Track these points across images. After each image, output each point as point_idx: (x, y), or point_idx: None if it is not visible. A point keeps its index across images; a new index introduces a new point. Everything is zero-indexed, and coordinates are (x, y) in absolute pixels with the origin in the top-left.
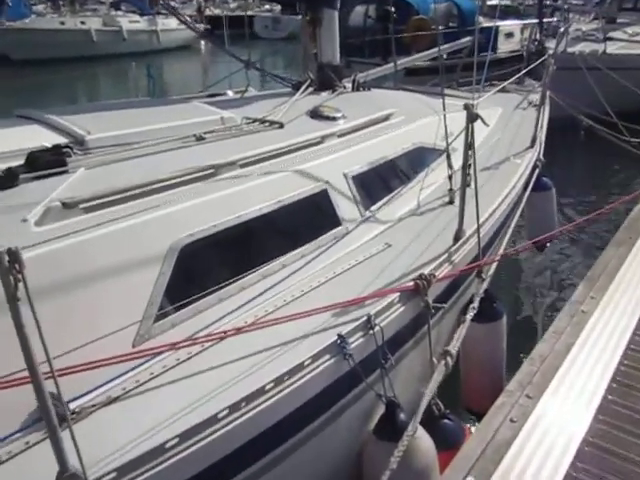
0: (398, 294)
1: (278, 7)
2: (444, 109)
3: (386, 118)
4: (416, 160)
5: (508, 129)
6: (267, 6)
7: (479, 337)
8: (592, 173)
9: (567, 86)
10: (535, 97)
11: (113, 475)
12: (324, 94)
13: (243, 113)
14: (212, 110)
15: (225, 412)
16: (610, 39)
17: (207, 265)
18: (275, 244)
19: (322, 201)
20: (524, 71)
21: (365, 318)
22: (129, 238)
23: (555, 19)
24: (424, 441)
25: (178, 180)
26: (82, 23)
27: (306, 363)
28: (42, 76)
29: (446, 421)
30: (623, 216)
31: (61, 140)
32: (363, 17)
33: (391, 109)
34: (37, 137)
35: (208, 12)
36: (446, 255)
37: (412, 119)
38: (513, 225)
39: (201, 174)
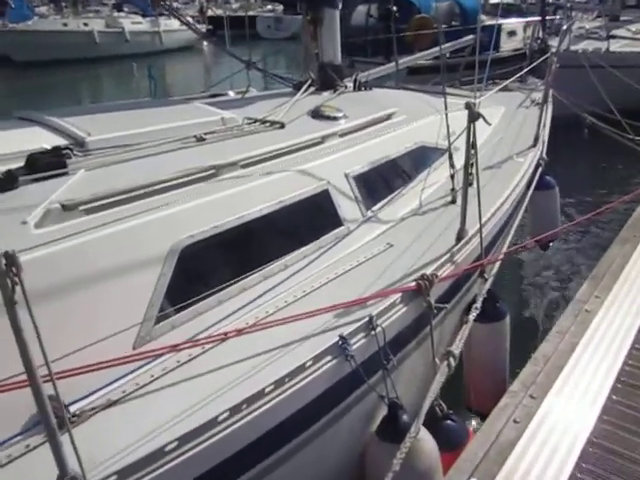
0: (400, 294)
1: (280, 7)
2: (446, 108)
3: (388, 117)
4: (418, 159)
5: (511, 128)
6: (269, 6)
7: (482, 337)
8: (595, 171)
9: (570, 84)
10: (538, 95)
11: (113, 478)
12: (325, 94)
13: (244, 113)
14: (213, 111)
15: (226, 414)
16: (613, 37)
17: (208, 266)
18: (276, 245)
19: (323, 201)
20: (527, 69)
21: (367, 319)
22: (129, 240)
23: (558, 17)
24: (427, 442)
25: (179, 181)
26: (85, 25)
27: (307, 364)
28: (44, 78)
29: (449, 422)
30: (627, 214)
31: (61, 142)
32: (365, 16)
33: (393, 108)
34: (37, 139)
35: (210, 13)
36: (448, 255)
37: (414, 118)
38: (516, 224)
39: (202, 175)
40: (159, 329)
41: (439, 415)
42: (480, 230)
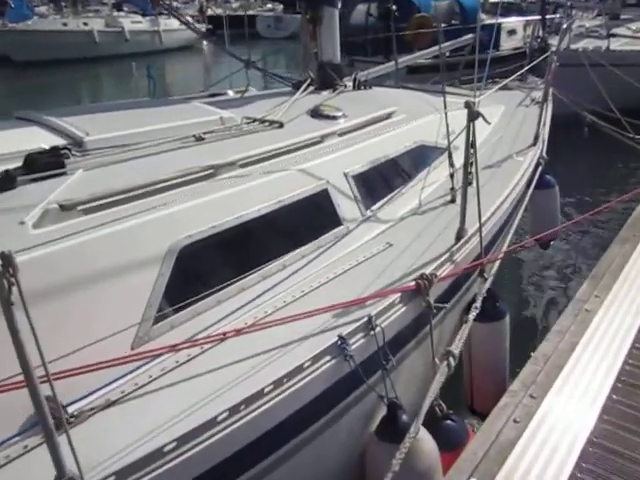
0: (399, 294)
1: (280, 6)
2: (445, 107)
3: (387, 117)
4: (417, 159)
5: (511, 126)
6: (269, 5)
7: (482, 337)
8: (596, 170)
9: (570, 83)
10: (538, 94)
11: (112, 479)
12: (324, 93)
13: (243, 113)
14: (212, 110)
15: (225, 415)
16: (613, 35)
17: (206, 266)
18: (275, 244)
19: (322, 201)
20: (526, 68)
21: (366, 319)
22: (128, 239)
23: (558, 15)
24: (427, 442)
25: (177, 181)
26: (84, 24)
27: (306, 365)
28: (44, 77)
29: (449, 422)
30: (627, 213)
31: (59, 142)
32: (365, 15)
33: (392, 107)
34: (35, 139)
35: (210, 12)
36: (448, 254)
37: (413, 117)
38: (516, 223)
39: (201, 174)
40: (157, 329)
41: (439, 415)
42: (480, 229)
